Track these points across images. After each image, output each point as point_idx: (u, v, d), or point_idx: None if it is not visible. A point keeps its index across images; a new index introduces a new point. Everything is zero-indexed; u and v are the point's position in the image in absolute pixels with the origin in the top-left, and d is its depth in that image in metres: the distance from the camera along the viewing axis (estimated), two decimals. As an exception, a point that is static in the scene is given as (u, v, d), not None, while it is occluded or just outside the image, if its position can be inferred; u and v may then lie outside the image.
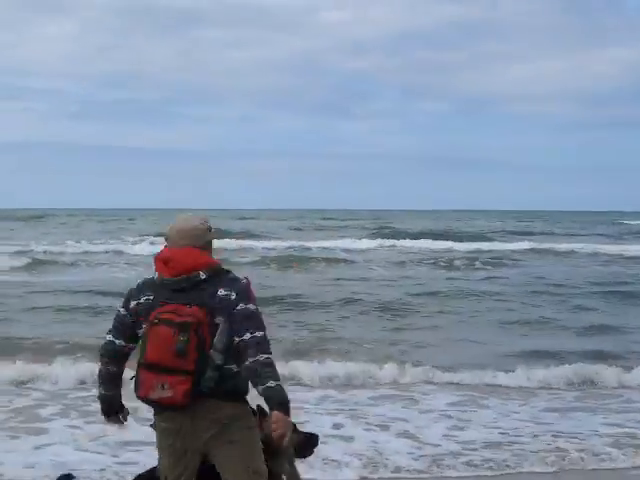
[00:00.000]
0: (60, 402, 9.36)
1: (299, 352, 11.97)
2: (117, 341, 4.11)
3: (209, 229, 4.06)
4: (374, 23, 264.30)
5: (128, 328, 4.07)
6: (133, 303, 4.06)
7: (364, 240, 41.04)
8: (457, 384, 10.67)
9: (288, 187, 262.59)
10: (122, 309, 4.12)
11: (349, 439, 7.97)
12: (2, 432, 8.11)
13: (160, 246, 4.26)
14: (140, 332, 3.99)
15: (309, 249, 34.62)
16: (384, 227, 55.75)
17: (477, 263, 28.51)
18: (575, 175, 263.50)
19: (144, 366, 3.87)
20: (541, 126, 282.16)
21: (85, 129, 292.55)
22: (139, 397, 3.95)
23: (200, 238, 4.01)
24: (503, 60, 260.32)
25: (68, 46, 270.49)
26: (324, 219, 77.95)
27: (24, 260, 26.77)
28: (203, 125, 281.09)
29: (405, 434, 8.22)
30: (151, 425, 4.19)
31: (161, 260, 3.98)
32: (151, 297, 3.99)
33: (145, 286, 4.07)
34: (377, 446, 7.74)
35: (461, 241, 40.20)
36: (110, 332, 4.15)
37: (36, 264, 26.12)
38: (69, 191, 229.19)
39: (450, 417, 8.97)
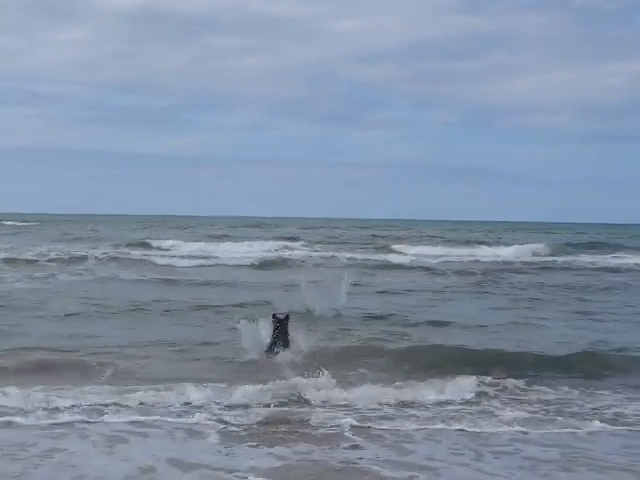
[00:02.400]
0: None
1: None
2: None
3: None
4: (386, 33, 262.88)
5: None
6: None
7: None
8: None
9: (297, 195, 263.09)
10: None
11: None
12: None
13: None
14: None
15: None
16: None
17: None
18: (583, 187, 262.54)
19: None
20: (549, 137, 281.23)
21: (96, 135, 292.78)
22: None
23: None
24: (513, 71, 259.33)
25: (80, 52, 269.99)
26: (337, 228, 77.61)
27: None
28: (214, 132, 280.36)
29: None
30: None
31: None
32: None
33: None
34: None
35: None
36: None
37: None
38: (77, 196, 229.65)
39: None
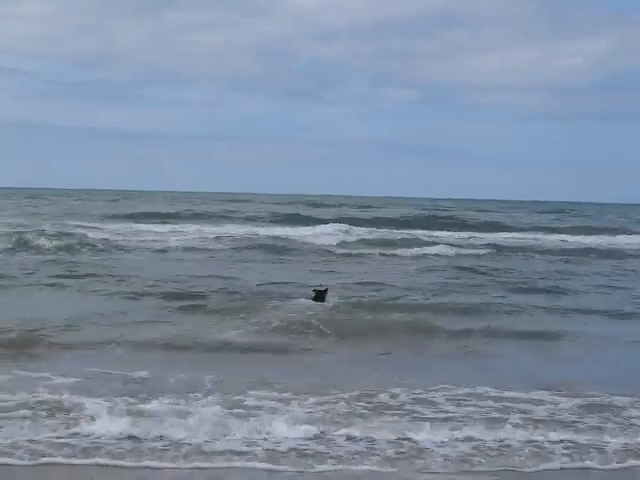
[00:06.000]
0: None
1: None
2: None
3: None
4: (346, 10, 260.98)
5: None
6: None
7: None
8: None
9: (256, 171, 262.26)
10: None
11: None
12: None
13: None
14: None
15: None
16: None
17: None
18: (541, 166, 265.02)
19: None
20: (508, 116, 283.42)
21: (53, 109, 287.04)
22: None
23: None
24: (474, 50, 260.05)
25: (39, 26, 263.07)
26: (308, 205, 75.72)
27: None
28: (172, 107, 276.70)
29: None
30: None
31: None
32: None
33: None
34: None
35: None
36: None
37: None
38: (35, 171, 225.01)
39: None
